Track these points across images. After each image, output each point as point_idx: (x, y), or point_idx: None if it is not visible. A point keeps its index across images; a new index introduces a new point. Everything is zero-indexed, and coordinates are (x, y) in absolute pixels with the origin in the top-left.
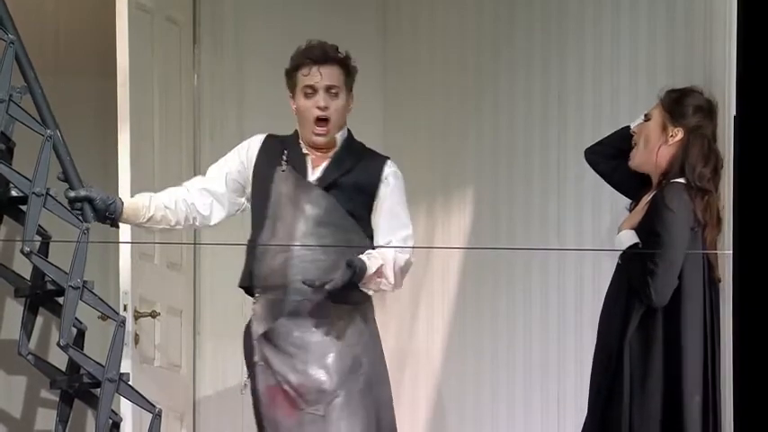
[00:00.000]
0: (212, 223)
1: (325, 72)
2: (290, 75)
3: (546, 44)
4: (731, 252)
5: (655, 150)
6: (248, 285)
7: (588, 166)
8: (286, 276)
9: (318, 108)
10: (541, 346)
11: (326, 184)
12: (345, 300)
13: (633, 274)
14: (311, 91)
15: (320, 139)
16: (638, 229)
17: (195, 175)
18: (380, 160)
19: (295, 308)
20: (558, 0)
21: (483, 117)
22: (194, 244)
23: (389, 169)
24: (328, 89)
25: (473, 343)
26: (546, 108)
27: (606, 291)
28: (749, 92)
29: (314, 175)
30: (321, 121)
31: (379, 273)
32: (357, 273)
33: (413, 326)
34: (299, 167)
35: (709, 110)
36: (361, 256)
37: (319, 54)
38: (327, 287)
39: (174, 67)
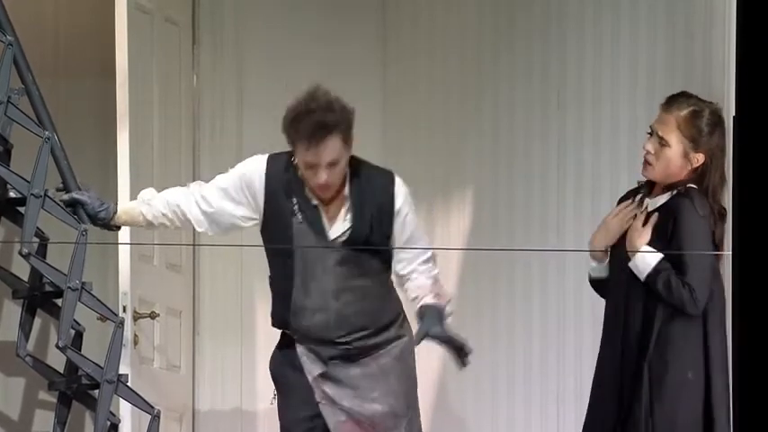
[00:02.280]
0: (210, 234)
1: (324, 151)
2: (287, 134)
3: (546, 45)
4: (731, 253)
5: (679, 175)
6: (283, 329)
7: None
8: (328, 330)
9: (319, 182)
10: (541, 345)
11: (352, 244)
12: (383, 324)
13: (667, 287)
14: (311, 166)
15: (325, 197)
16: (659, 239)
17: (194, 175)
18: (388, 185)
19: (346, 353)
20: (557, 3)
21: (483, 117)
22: (194, 245)
23: (400, 193)
24: (330, 164)
25: (472, 342)
26: (546, 108)
27: (607, 308)
28: (748, 92)
29: (332, 230)
30: (322, 187)
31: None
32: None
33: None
34: (314, 220)
35: (722, 122)
36: (426, 302)
37: (314, 131)
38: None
39: (174, 67)
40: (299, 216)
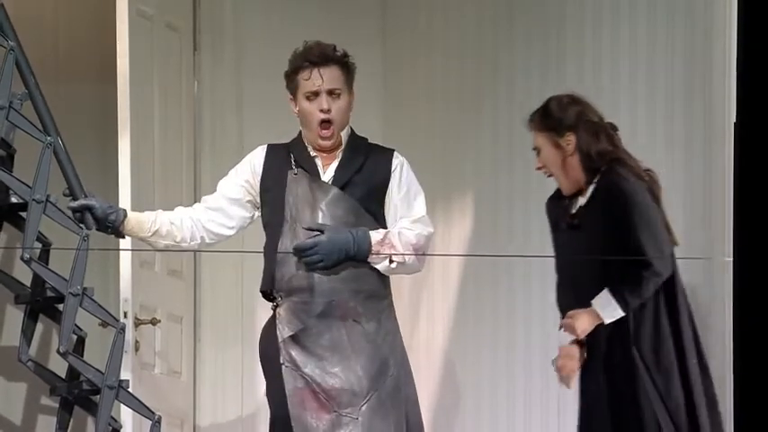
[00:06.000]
0: (227, 236)
1: (325, 75)
2: (290, 78)
3: (545, 48)
4: (731, 259)
5: (568, 170)
6: (270, 289)
7: None
8: (312, 277)
9: (322, 111)
10: (541, 350)
11: (341, 183)
12: (368, 289)
13: (639, 294)
14: (313, 95)
15: (326, 143)
16: (610, 223)
17: (195, 180)
18: (387, 154)
19: (325, 309)
20: (557, 5)
21: (483, 120)
22: (194, 251)
23: (397, 161)
24: (330, 92)
25: (473, 348)
26: None
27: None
28: (749, 99)
29: (326, 175)
30: (325, 123)
31: (385, 242)
32: (355, 237)
33: (413, 330)
34: (311, 169)
35: (573, 99)
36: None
37: (318, 56)
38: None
39: (175, 73)
40: (296, 169)
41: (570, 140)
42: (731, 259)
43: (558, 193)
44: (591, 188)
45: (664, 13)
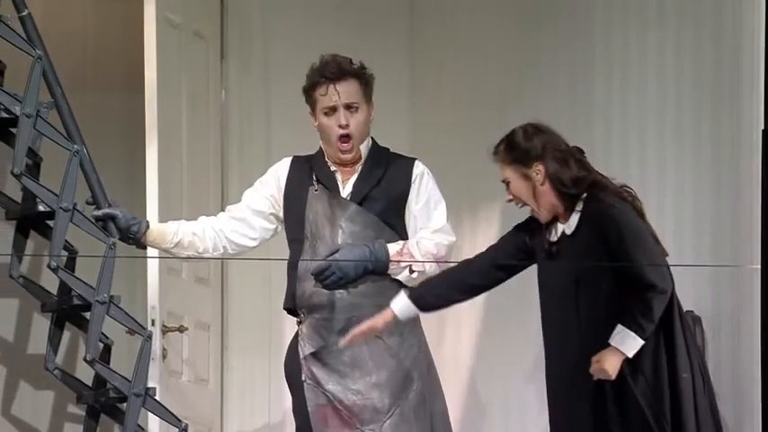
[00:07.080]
0: (250, 247)
1: (342, 90)
2: (308, 93)
3: (572, 55)
4: (759, 267)
5: (542, 199)
6: (292, 307)
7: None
8: (333, 294)
9: (340, 126)
10: None
11: (360, 198)
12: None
13: (652, 319)
14: (331, 110)
15: (346, 156)
16: (604, 251)
17: (223, 188)
18: (408, 164)
19: (346, 326)
20: (584, 12)
21: (510, 125)
22: (222, 258)
23: (417, 170)
24: (348, 106)
25: (501, 357)
26: (573, 123)
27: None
28: None
29: (345, 190)
30: (344, 137)
31: (404, 252)
32: (373, 250)
33: (440, 340)
34: (330, 185)
35: (537, 128)
36: (391, 244)
37: (334, 71)
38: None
39: (202, 81)
40: (316, 185)
41: (540, 170)
42: (759, 267)
43: (526, 224)
44: (575, 216)
45: (692, 22)
